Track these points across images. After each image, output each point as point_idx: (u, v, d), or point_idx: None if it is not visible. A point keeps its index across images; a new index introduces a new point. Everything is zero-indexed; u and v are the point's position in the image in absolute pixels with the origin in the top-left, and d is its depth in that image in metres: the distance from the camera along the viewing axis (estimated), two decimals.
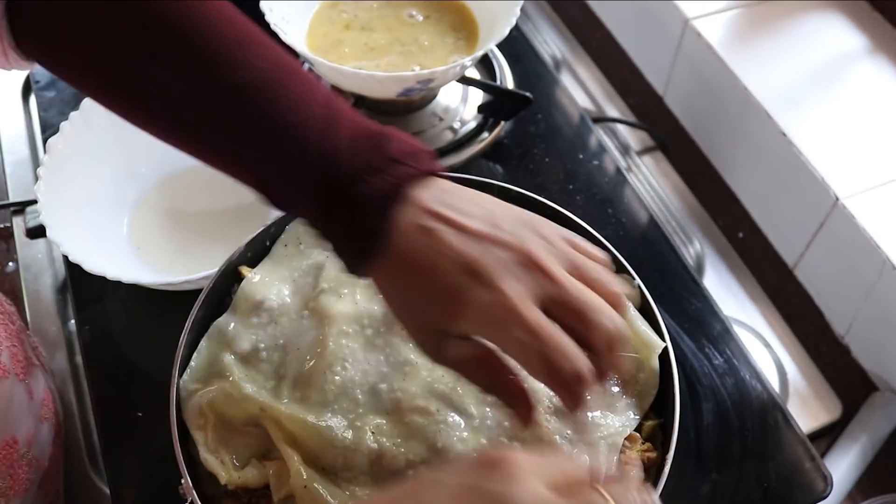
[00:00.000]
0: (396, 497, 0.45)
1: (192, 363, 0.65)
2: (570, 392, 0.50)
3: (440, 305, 0.51)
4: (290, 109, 0.52)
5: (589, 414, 0.63)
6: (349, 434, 0.60)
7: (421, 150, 0.53)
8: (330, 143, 0.51)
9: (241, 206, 0.91)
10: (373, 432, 0.60)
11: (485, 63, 1.06)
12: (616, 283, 0.54)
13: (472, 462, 0.44)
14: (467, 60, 0.89)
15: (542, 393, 0.63)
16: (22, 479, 0.67)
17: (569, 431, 0.62)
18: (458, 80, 0.98)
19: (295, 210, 0.56)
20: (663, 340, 0.66)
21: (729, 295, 1.02)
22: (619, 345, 0.51)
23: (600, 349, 0.51)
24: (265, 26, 0.90)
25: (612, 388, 0.65)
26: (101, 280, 0.75)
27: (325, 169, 0.51)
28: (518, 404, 0.55)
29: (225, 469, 0.60)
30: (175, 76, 0.52)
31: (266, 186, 0.54)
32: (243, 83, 0.52)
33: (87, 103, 0.87)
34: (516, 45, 1.10)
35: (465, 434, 0.61)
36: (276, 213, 0.72)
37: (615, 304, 0.52)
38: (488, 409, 0.62)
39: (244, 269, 0.70)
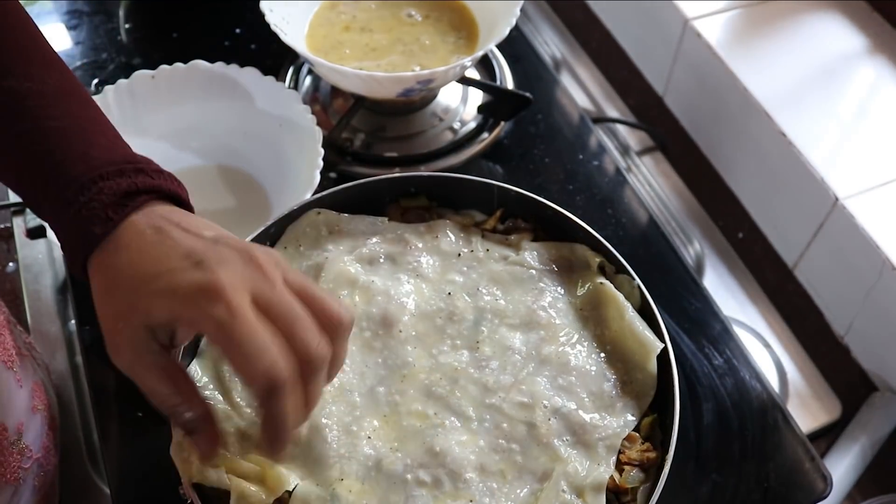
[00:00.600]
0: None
1: (195, 368, 0.65)
2: (261, 390, 0.49)
3: (147, 286, 0.50)
4: (61, 118, 0.55)
5: (588, 416, 0.63)
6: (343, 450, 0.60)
7: (169, 174, 0.56)
8: (89, 146, 0.54)
9: (241, 207, 0.91)
10: (369, 437, 0.60)
11: (485, 63, 1.06)
12: (340, 309, 0.53)
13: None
14: (467, 61, 0.89)
15: (541, 395, 0.63)
16: (14, 467, 0.67)
17: (567, 434, 0.62)
18: (458, 81, 0.98)
19: (44, 208, 0.56)
20: (663, 341, 0.66)
21: (729, 295, 1.02)
22: (313, 366, 0.50)
23: (300, 364, 0.50)
24: (265, 27, 0.90)
25: (610, 391, 0.65)
26: None
27: (78, 168, 0.53)
28: (203, 428, 0.54)
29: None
30: None
31: (29, 187, 0.56)
32: (27, 91, 0.55)
33: None
34: (516, 46, 1.10)
35: (463, 437, 0.61)
36: (276, 214, 0.72)
37: (333, 326, 0.52)
38: (487, 413, 0.62)
39: None
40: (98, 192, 0.52)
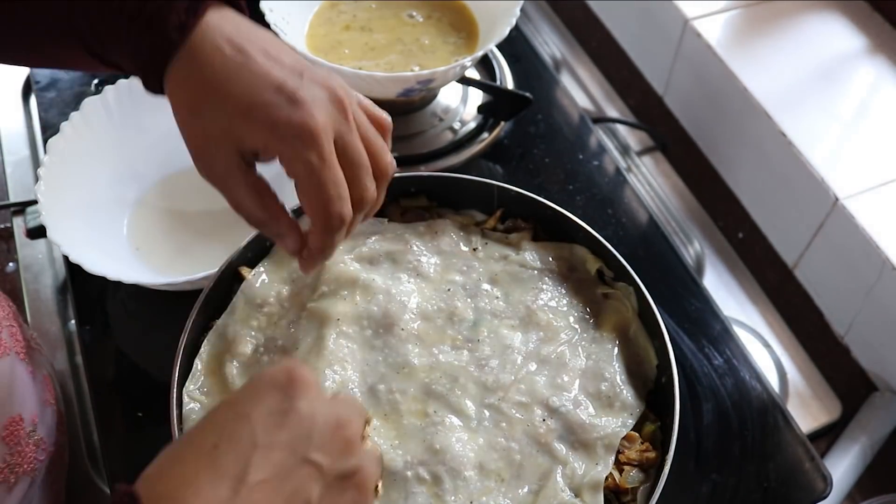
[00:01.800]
0: (212, 442, 0.44)
1: (196, 370, 0.65)
2: (328, 228, 0.54)
3: (243, 116, 0.52)
4: None
5: (586, 416, 0.63)
6: None
7: None
8: None
9: None
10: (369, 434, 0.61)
11: (485, 63, 1.06)
12: (388, 157, 0.58)
13: (264, 384, 0.46)
14: (467, 61, 0.89)
15: (539, 394, 0.63)
16: (30, 458, 0.67)
17: (566, 433, 0.62)
18: (458, 81, 0.98)
19: (102, 31, 0.54)
20: (663, 341, 0.66)
21: (729, 295, 1.02)
22: (361, 209, 0.56)
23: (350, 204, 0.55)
24: (265, 27, 0.90)
25: (609, 391, 0.65)
26: (102, 280, 0.75)
27: None
28: (289, 233, 0.57)
29: None
30: None
31: (79, 23, 0.54)
32: None
33: (88, 104, 0.87)
34: (516, 46, 1.10)
35: (463, 436, 0.61)
36: None
37: (383, 174, 0.57)
38: (486, 411, 0.62)
39: (244, 270, 0.70)
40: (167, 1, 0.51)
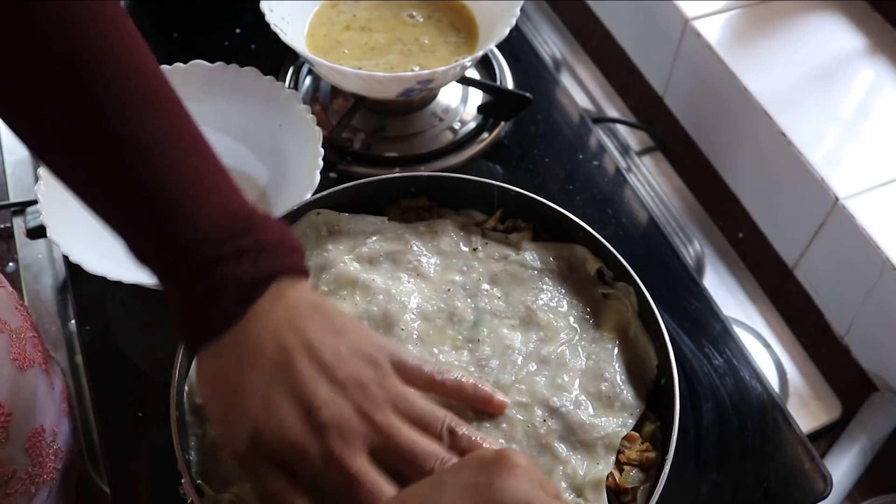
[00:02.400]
0: (401, 499, 0.45)
1: (192, 371, 0.65)
2: None
3: (260, 419, 0.49)
4: (168, 170, 0.50)
5: (586, 416, 0.63)
6: None
7: (292, 243, 0.53)
8: (208, 211, 0.50)
9: None
10: None
11: (485, 63, 1.06)
12: (452, 420, 0.54)
13: (472, 460, 0.45)
14: (467, 61, 0.89)
15: (540, 394, 0.63)
16: (49, 468, 0.68)
17: (566, 434, 0.62)
18: (458, 81, 0.98)
19: (156, 271, 0.53)
20: (663, 341, 0.66)
21: (729, 295, 1.02)
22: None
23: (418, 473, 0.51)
24: (265, 27, 0.90)
25: (609, 391, 0.65)
26: (102, 280, 0.75)
27: (197, 236, 0.50)
28: None
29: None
30: (63, 117, 0.50)
31: (134, 241, 0.52)
32: (130, 135, 0.50)
33: None
34: (516, 46, 1.10)
35: None
36: (276, 214, 0.72)
37: (446, 441, 0.53)
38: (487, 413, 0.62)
39: None
40: (220, 282, 0.49)
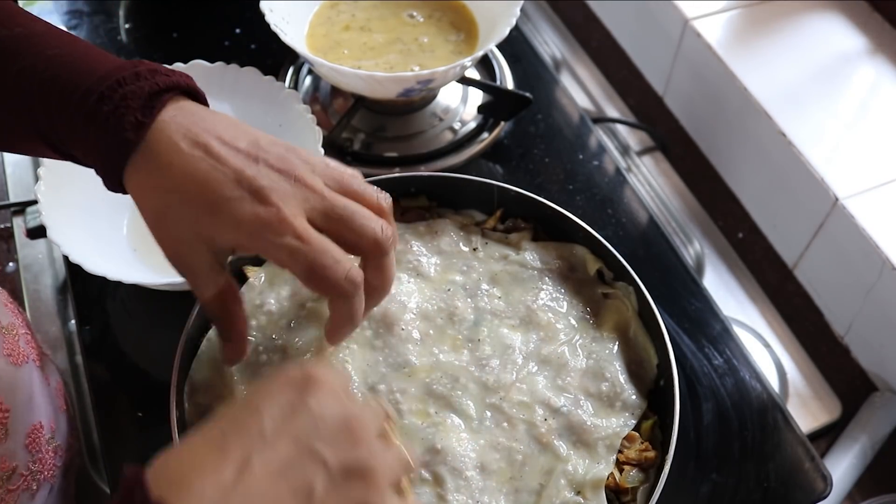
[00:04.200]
0: (220, 427, 0.45)
1: (192, 371, 0.65)
2: (342, 293, 0.53)
3: (209, 217, 0.52)
4: (57, 46, 0.55)
5: (587, 416, 0.63)
6: None
7: (182, 72, 0.55)
8: (93, 61, 0.54)
9: None
10: None
11: (485, 63, 1.06)
12: (378, 192, 0.57)
13: (281, 381, 0.47)
14: (467, 61, 0.89)
15: (540, 394, 0.63)
16: (50, 465, 0.68)
17: (567, 433, 0.62)
18: (458, 81, 0.98)
19: (62, 133, 0.55)
20: (663, 341, 0.66)
21: (729, 295, 1.02)
22: (385, 246, 0.55)
23: (367, 251, 0.55)
24: (265, 27, 0.90)
25: (609, 391, 0.65)
26: (102, 280, 0.75)
27: (90, 80, 0.52)
28: (234, 342, 0.57)
29: None
30: None
31: (39, 120, 0.54)
32: (18, 35, 0.55)
33: None
34: (516, 46, 1.10)
35: (464, 436, 0.61)
36: None
37: (379, 211, 0.56)
38: (487, 411, 0.62)
39: (248, 270, 0.70)
40: (122, 98, 0.52)
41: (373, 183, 0.73)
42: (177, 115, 0.53)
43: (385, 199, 0.57)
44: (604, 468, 0.60)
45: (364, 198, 0.56)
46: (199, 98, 0.56)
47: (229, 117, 0.55)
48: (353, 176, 0.56)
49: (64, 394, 0.76)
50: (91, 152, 0.54)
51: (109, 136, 0.52)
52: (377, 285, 0.56)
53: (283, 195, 0.52)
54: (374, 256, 0.55)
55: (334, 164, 0.56)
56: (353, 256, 0.54)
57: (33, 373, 0.68)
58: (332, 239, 0.53)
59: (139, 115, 0.51)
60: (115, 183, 0.54)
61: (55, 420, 0.70)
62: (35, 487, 0.66)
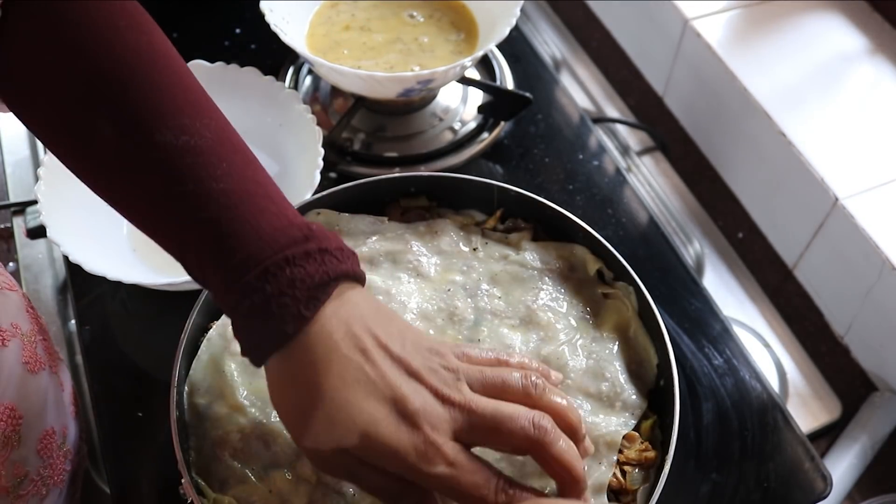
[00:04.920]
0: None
1: (192, 371, 0.65)
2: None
3: (356, 440, 0.48)
4: (225, 179, 0.50)
5: (587, 416, 0.63)
6: None
7: (349, 249, 0.52)
8: (269, 220, 0.50)
9: None
10: None
11: (485, 63, 1.06)
12: (531, 374, 0.53)
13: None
14: (467, 61, 0.89)
15: None
16: (60, 469, 0.68)
17: None
18: (458, 81, 0.98)
19: (216, 284, 0.51)
20: (663, 341, 0.66)
21: (729, 295, 1.02)
22: (542, 441, 0.50)
23: (526, 451, 0.51)
24: (265, 27, 0.90)
25: (609, 391, 0.65)
26: (102, 280, 0.75)
27: (256, 244, 0.49)
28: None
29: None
30: (116, 131, 0.50)
31: (193, 255, 0.51)
32: (184, 146, 0.50)
33: None
34: (516, 46, 1.10)
35: None
36: None
37: (569, 425, 0.52)
38: None
39: None
40: (289, 283, 0.48)
41: (373, 183, 0.74)
42: (339, 309, 0.49)
43: (538, 376, 0.53)
44: (606, 471, 0.60)
45: (511, 388, 0.52)
46: (361, 281, 0.53)
47: (381, 305, 0.53)
48: (500, 376, 0.52)
49: (76, 398, 0.76)
50: (237, 321, 0.50)
51: (265, 319, 0.48)
52: (558, 472, 0.51)
53: (433, 419, 0.49)
54: (536, 453, 0.51)
55: (480, 358, 0.54)
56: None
57: (48, 380, 0.68)
58: (484, 444, 0.51)
59: (303, 307, 0.48)
60: (257, 361, 0.51)
61: (67, 425, 0.71)
62: (45, 492, 0.66)
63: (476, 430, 0.50)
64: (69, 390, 0.74)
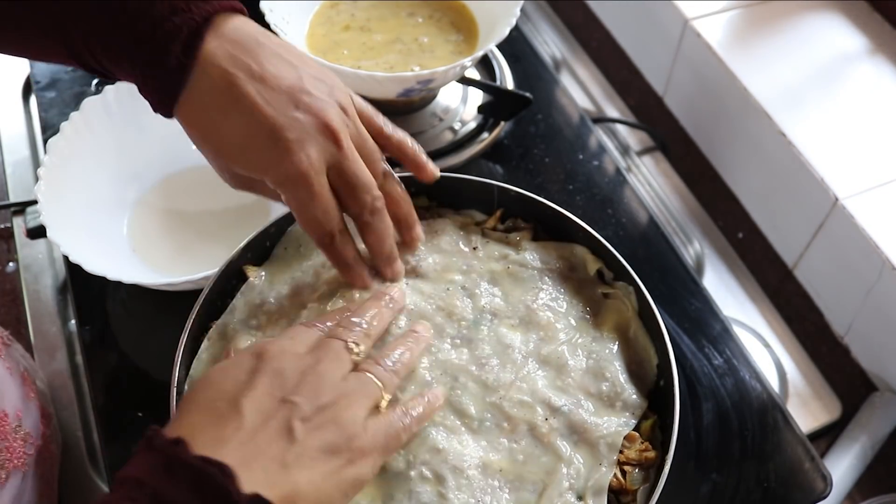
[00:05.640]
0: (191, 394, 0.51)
1: (192, 371, 0.65)
2: (322, 246, 0.63)
3: (237, 161, 0.59)
4: None
5: (587, 415, 0.63)
6: None
7: None
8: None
9: (241, 207, 0.91)
10: None
11: (485, 63, 1.06)
12: (382, 163, 0.64)
13: (237, 357, 0.53)
14: (467, 61, 0.89)
15: (540, 394, 0.63)
16: (19, 452, 0.68)
17: (568, 433, 0.62)
18: (458, 81, 0.98)
19: (106, 65, 0.58)
20: (663, 341, 0.66)
21: (729, 295, 1.02)
22: (376, 215, 0.63)
23: (357, 217, 0.63)
24: (265, 27, 0.90)
25: (610, 391, 0.65)
26: (102, 280, 0.75)
27: (135, 16, 0.55)
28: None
29: None
30: None
31: (79, 45, 0.57)
32: None
33: (88, 104, 0.87)
34: (516, 46, 1.10)
35: (465, 436, 0.61)
36: (275, 214, 0.72)
37: (382, 180, 0.63)
38: (488, 412, 0.62)
39: (249, 269, 0.70)
40: (165, 36, 0.55)
41: None
42: (219, 47, 0.56)
43: (387, 167, 0.65)
44: (606, 472, 0.60)
45: (372, 164, 0.62)
46: (244, 12, 0.60)
47: (273, 39, 0.59)
48: (381, 119, 0.64)
49: (32, 384, 0.75)
50: (139, 72, 0.57)
51: (151, 79, 0.56)
52: (371, 243, 0.64)
53: (311, 148, 0.57)
54: (360, 220, 0.63)
55: (363, 109, 0.63)
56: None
57: None
58: (334, 188, 0.60)
59: (181, 56, 0.55)
60: (166, 114, 0.59)
61: (23, 408, 0.70)
62: (4, 476, 0.66)
63: (343, 176, 0.60)
64: (20, 375, 0.73)
